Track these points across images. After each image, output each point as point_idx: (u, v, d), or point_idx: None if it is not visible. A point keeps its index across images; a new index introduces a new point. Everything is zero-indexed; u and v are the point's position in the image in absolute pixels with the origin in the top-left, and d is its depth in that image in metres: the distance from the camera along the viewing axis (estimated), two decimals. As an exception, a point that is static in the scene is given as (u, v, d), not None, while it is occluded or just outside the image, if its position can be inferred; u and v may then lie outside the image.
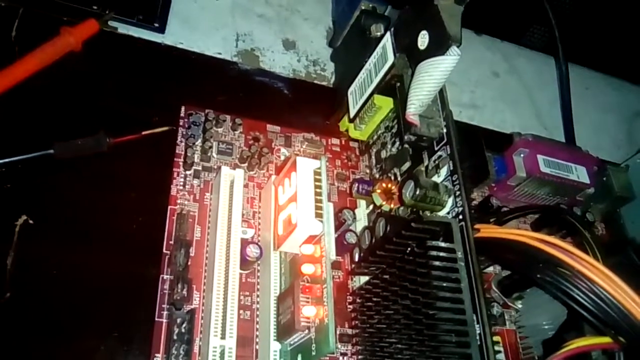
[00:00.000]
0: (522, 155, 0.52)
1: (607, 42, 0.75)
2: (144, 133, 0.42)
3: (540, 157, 0.51)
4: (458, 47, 0.34)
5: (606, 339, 0.33)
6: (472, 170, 0.47)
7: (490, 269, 0.47)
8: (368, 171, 0.47)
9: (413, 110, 0.35)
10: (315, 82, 0.56)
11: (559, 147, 0.54)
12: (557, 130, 0.68)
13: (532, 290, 0.45)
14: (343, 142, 0.50)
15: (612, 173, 0.56)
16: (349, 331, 0.40)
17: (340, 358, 0.40)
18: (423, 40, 0.37)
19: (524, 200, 0.54)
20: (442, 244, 0.32)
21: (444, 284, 0.30)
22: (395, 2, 0.46)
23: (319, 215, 0.34)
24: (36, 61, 0.42)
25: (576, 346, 0.34)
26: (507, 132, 0.58)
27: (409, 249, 0.33)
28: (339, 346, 0.40)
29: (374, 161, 0.46)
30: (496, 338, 0.46)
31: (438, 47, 0.35)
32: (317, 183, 0.35)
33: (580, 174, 0.53)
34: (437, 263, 0.31)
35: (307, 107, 0.52)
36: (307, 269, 0.34)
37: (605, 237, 0.58)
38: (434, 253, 0.31)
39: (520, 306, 0.47)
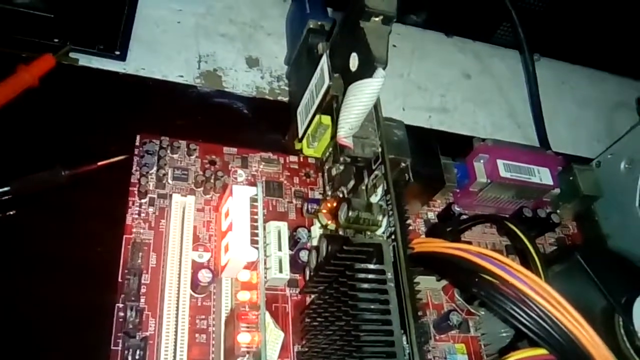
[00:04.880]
0: (482, 160, 0.52)
1: (582, 34, 0.74)
2: (99, 163, 0.44)
3: (500, 162, 0.52)
4: (384, 68, 0.34)
5: (542, 351, 0.34)
6: (427, 180, 0.47)
7: (450, 277, 0.47)
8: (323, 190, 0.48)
9: (343, 134, 0.36)
10: (279, 98, 0.57)
11: (520, 150, 0.54)
12: (530, 128, 0.68)
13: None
14: (301, 159, 0.50)
15: (578, 172, 0.56)
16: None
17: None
18: (354, 62, 0.37)
19: (489, 205, 0.54)
20: (371, 266, 0.33)
21: (372, 306, 0.31)
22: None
23: (254, 242, 0.35)
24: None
25: (513, 359, 0.35)
26: (478, 135, 0.58)
27: (344, 270, 0.34)
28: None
29: (326, 178, 0.46)
30: (460, 346, 0.47)
31: (366, 68, 0.35)
32: (254, 209, 0.36)
33: (543, 175, 0.53)
34: (365, 285, 0.32)
35: (266, 125, 0.53)
36: (243, 295, 0.35)
37: (577, 236, 0.58)
38: (362, 275, 0.32)
39: (482, 312, 0.47)
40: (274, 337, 0.40)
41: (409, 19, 0.69)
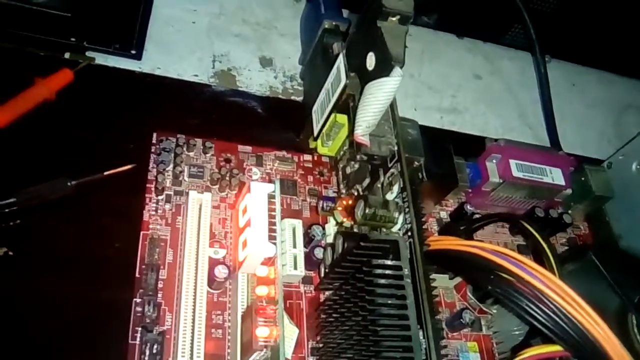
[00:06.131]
0: (494, 160, 0.52)
1: (593, 36, 0.74)
2: (106, 173, 0.43)
3: (512, 162, 0.52)
4: (401, 67, 0.35)
5: (557, 347, 0.34)
6: (440, 179, 0.48)
7: (463, 276, 0.48)
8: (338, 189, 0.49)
9: (360, 132, 0.36)
10: (292, 97, 0.58)
11: (532, 150, 0.54)
12: (541, 129, 0.69)
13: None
14: (315, 157, 0.51)
15: (590, 173, 0.56)
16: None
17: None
18: (370, 61, 0.38)
19: (501, 205, 0.54)
20: (388, 262, 0.33)
21: (389, 301, 0.32)
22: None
23: (272, 238, 0.35)
24: (10, 112, 0.44)
25: (528, 355, 0.35)
26: (489, 136, 0.58)
27: (360, 266, 0.35)
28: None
29: (340, 177, 0.47)
30: (472, 344, 0.47)
31: (383, 68, 0.36)
32: (271, 206, 0.36)
33: (555, 176, 0.53)
34: (382, 281, 0.32)
35: (280, 124, 0.53)
36: (261, 290, 0.35)
37: (589, 237, 0.58)
38: (379, 271, 0.32)
39: (495, 311, 0.47)
40: (288, 332, 0.40)
41: (420, 20, 0.69)
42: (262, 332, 0.33)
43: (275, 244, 0.35)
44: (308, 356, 0.41)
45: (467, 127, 0.65)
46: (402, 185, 0.36)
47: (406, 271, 0.33)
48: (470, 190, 0.54)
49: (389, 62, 0.35)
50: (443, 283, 0.48)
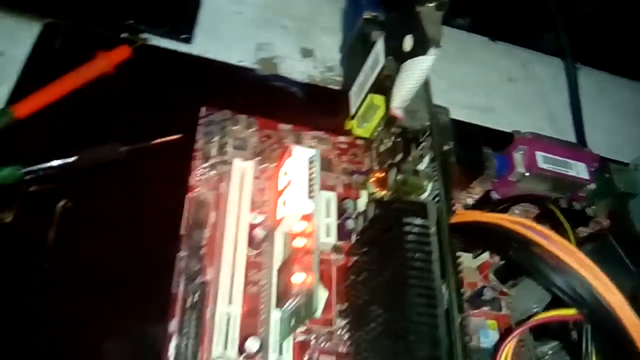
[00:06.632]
0: (521, 152, 0.55)
1: (624, 45, 0.76)
2: (155, 142, 0.47)
3: (538, 154, 0.54)
4: (437, 48, 0.38)
5: (571, 311, 0.36)
6: (468, 164, 0.50)
7: (486, 255, 0.50)
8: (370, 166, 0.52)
9: (396, 104, 0.39)
10: (331, 87, 0.61)
11: (558, 144, 0.56)
12: (569, 133, 0.70)
13: (525, 277, 0.48)
14: (350, 140, 0.54)
15: (615, 170, 0.58)
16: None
17: (339, 331, 0.44)
18: (408, 43, 0.41)
19: (525, 196, 0.56)
20: (417, 220, 0.36)
21: (416, 255, 0.34)
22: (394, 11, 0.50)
23: (310, 197, 0.38)
24: (73, 81, 0.48)
25: (543, 316, 0.37)
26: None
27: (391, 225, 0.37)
28: (338, 321, 0.44)
29: (374, 155, 0.50)
30: (491, 322, 0.49)
31: (420, 48, 0.39)
32: (311, 169, 0.40)
33: (579, 170, 0.55)
34: (411, 237, 0.35)
35: (318, 108, 0.56)
36: (298, 242, 0.38)
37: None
38: (408, 228, 0.35)
39: (513, 292, 0.50)
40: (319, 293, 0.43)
41: (455, 22, 0.72)
42: (297, 278, 0.36)
43: (313, 201, 0.38)
44: (336, 317, 0.44)
45: (497, 126, 0.67)
46: (432, 157, 0.39)
47: (433, 229, 0.36)
48: (496, 181, 0.56)
49: (426, 42, 0.38)
50: (466, 263, 0.50)
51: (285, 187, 0.40)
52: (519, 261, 0.37)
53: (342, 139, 0.54)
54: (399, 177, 0.38)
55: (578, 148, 0.58)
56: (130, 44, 0.52)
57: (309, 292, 0.35)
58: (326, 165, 0.51)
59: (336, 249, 0.47)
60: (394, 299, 0.35)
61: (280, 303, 0.39)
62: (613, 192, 0.57)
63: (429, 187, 0.39)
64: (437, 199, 0.38)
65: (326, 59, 0.63)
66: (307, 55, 0.63)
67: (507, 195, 0.56)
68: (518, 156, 0.55)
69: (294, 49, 0.63)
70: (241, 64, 0.58)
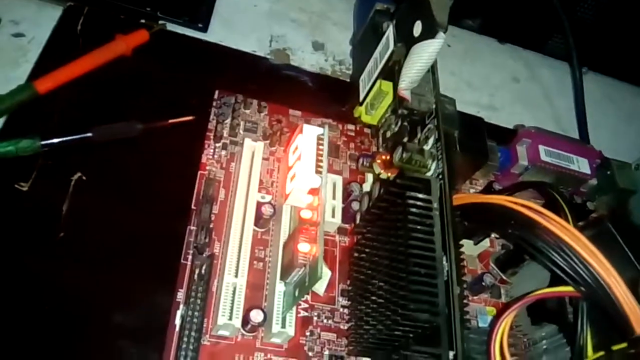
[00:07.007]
0: (524, 145, 0.56)
1: (631, 51, 0.78)
2: (170, 121, 0.48)
3: (541, 147, 0.56)
4: (444, 32, 0.39)
5: (568, 288, 0.37)
6: (472, 152, 0.52)
7: (487, 243, 0.51)
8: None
9: (404, 86, 0.41)
10: (341, 79, 0.63)
11: (561, 139, 0.57)
12: (574, 136, 0.71)
13: (525, 264, 0.49)
14: (357, 128, 0.55)
15: (616, 167, 0.59)
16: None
17: (341, 309, 0.45)
18: (417, 29, 0.42)
19: (527, 189, 0.57)
20: (420, 195, 0.37)
21: (419, 227, 0.36)
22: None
23: (318, 172, 0.40)
24: (92, 61, 0.50)
25: (541, 292, 0.38)
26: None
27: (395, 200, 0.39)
28: (340, 300, 0.45)
29: (380, 141, 0.51)
30: (490, 309, 0.50)
31: (428, 33, 0.41)
32: (319, 147, 0.41)
33: (581, 164, 0.56)
34: (414, 209, 0.36)
35: (327, 97, 0.58)
36: (305, 214, 0.40)
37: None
38: (411, 202, 0.37)
39: (513, 280, 0.51)
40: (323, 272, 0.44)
41: (464, 23, 0.74)
42: (303, 247, 0.37)
43: (320, 176, 0.39)
44: (338, 296, 0.46)
45: (501, 124, 0.69)
46: (436, 137, 0.41)
47: (435, 205, 0.37)
48: (499, 173, 0.57)
49: (434, 27, 0.40)
50: (467, 251, 0.51)
51: (294, 163, 0.42)
52: (516, 239, 0.39)
53: (350, 126, 0.55)
54: (405, 154, 0.40)
55: (581, 144, 0.59)
56: (148, 29, 0.54)
57: (314, 260, 0.36)
58: (334, 151, 0.53)
59: (341, 231, 0.48)
60: (396, 269, 0.36)
61: (284, 276, 0.40)
62: (614, 188, 0.58)
63: (433, 166, 0.40)
64: (439, 176, 0.39)
65: (337, 52, 0.65)
66: (319, 48, 0.65)
67: (509, 188, 0.57)
68: (521, 149, 0.56)
69: (306, 42, 0.65)
70: (255, 53, 0.60)
